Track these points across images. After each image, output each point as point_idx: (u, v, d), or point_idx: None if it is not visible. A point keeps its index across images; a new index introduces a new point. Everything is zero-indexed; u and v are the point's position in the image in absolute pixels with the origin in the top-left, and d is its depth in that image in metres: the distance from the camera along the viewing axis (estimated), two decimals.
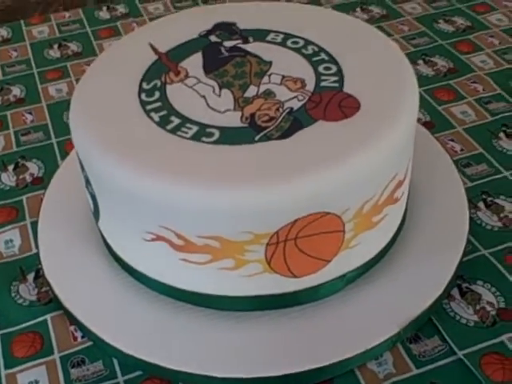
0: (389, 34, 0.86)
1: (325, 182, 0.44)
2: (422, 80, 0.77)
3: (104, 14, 0.95)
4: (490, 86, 0.75)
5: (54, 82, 0.81)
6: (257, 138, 0.47)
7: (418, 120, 0.70)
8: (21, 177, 0.68)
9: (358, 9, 0.92)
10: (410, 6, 0.92)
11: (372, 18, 0.90)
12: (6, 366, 0.51)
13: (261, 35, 0.57)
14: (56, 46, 0.88)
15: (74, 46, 0.88)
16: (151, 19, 0.92)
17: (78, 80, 0.56)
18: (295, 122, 0.48)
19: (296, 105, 0.49)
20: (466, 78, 0.77)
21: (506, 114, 0.71)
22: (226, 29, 0.58)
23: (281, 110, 0.49)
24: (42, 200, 0.62)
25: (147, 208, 0.46)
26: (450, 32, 0.86)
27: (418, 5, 0.92)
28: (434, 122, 0.71)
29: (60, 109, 0.76)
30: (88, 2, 1.30)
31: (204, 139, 0.47)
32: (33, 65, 0.85)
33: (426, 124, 0.71)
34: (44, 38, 0.90)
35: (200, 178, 0.44)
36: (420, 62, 0.81)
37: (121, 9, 0.96)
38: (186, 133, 0.48)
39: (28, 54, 0.87)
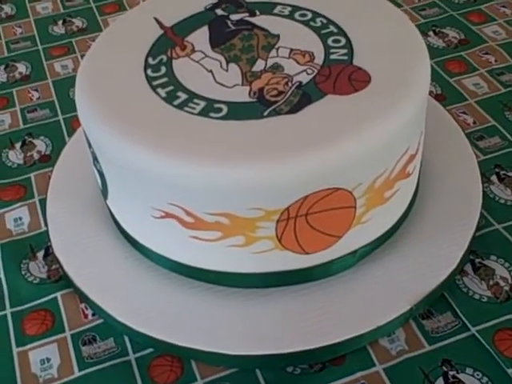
0: (398, 5, 0.84)
1: (335, 157, 0.43)
2: (432, 52, 0.75)
3: None
4: (503, 56, 0.74)
5: (60, 59, 0.81)
6: (265, 113, 0.46)
7: (430, 93, 0.69)
8: (28, 154, 0.67)
9: None
10: None
11: None
12: (18, 344, 0.51)
13: (268, 8, 0.56)
14: (60, 22, 0.88)
15: (78, 22, 0.87)
16: None
17: (83, 56, 0.55)
18: (304, 97, 0.47)
19: (305, 78, 0.48)
20: (477, 49, 0.76)
21: None
22: (233, 2, 0.57)
23: (289, 84, 0.48)
24: (49, 177, 0.62)
25: (156, 185, 0.46)
26: (461, 2, 0.84)
27: None
28: (445, 94, 0.70)
29: (66, 85, 0.75)
30: None
31: (212, 115, 0.46)
32: (37, 41, 0.84)
33: (437, 97, 0.70)
34: (48, 14, 0.89)
35: (209, 154, 0.44)
36: (430, 33, 0.79)
37: None
38: (194, 108, 0.47)
39: (33, 30, 0.87)
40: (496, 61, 0.74)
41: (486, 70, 0.73)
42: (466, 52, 0.75)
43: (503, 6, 0.83)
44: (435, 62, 0.74)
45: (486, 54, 0.75)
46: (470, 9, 0.83)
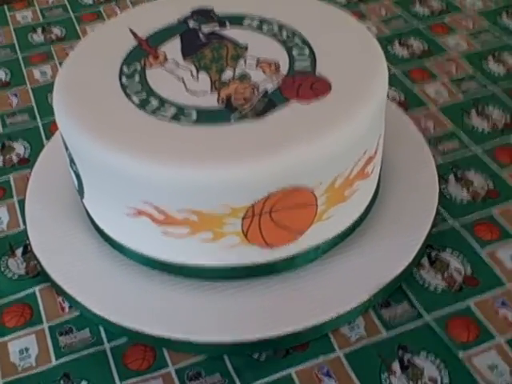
0: (366, 17, 0.88)
1: (296, 158, 0.46)
2: (397, 61, 0.79)
3: None
4: (463, 66, 0.78)
5: (39, 66, 0.83)
6: (232, 118, 0.49)
7: (394, 99, 0.73)
8: (7, 157, 0.70)
9: None
10: None
11: (350, 0, 0.91)
12: None
13: (237, 20, 0.59)
14: (40, 31, 0.90)
15: (57, 31, 0.90)
16: (133, 3, 0.94)
17: (61, 63, 0.57)
18: (269, 103, 0.50)
19: (270, 87, 0.51)
20: (439, 59, 0.79)
21: (478, 94, 0.74)
22: (204, 14, 0.60)
23: (256, 91, 0.51)
24: (28, 179, 0.64)
25: (129, 185, 0.48)
26: (425, 15, 0.88)
27: None
28: (408, 101, 0.73)
29: (44, 91, 0.78)
30: None
31: (182, 120, 0.49)
32: (17, 49, 0.86)
33: (400, 103, 0.73)
34: (27, 23, 0.92)
35: (179, 156, 0.47)
36: (396, 43, 0.83)
37: None
38: (165, 114, 0.50)
39: (12, 38, 0.89)
40: (456, 70, 0.77)
41: (447, 78, 0.76)
42: (429, 61, 0.79)
43: (466, 19, 0.86)
44: (400, 70, 0.78)
45: (448, 63, 0.78)
46: (434, 21, 0.86)
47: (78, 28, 0.90)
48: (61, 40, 0.88)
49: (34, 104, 0.77)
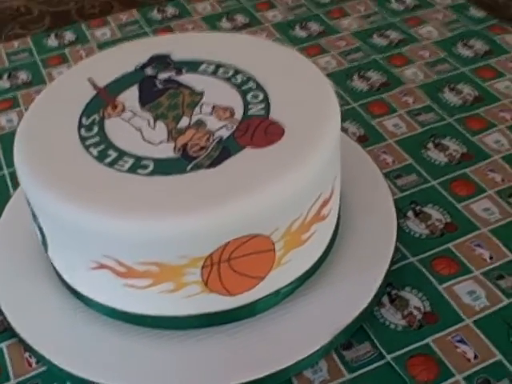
0: (326, 50, 0.90)
1: (251, 206, 0.47)
2: (356, 95, 0.81)
3: (52, 41, 0.98)
4: (420, 98, 0.80)
5: (5, 113, 0.84)
6: (188, 167, 0.50)
7: (353, 135, 0.75)
8: None
9: (297, 26, 0.96)
10: (347, 21, 0.96)
11: (310, 35, 0.94)
12: None
13: (194, 66, 0.60)
14: (5, 76, 0.91)
15: (23, 75, 0.91)
16: (99, 46, 0.95)
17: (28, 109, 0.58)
18: (224, 151, 0.51)
19: (225, 134, 0.53)
20: (397, 92, 0.81)
21: (435, 125, 0.75)
22: (161, 61, 0.62)
23: (211, 139, 0.52)
24: None
25: (89, 239, 0.49)
26: (384, 46, 0.90)
27: (354, 20, 0.96)
28: (367, 135, 0.75)
29: (11, 139, 0.75)
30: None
31: (139, 171, 0.50)
32: None
33: (360, 138, 0.75)
34: None
35: (136, 209, 0.48)
36: (355, 77, 0.85)
37: (68, 35, 0.98)
38: (123, 166, 0.51)
39: None
40: (414, 102, 0.79)
41: (405, 110, 0.78)
42: (387, 94, 0.81)
43: (423, 49, 0.89)
44: (359, 104, 0.80)
45: (405, 95, 0.80)
46: (392, 52, 0.88)
47: (43, 72, 0.91)
48: (27, 85, 0.89)
49: (0, 153, 0.77)
